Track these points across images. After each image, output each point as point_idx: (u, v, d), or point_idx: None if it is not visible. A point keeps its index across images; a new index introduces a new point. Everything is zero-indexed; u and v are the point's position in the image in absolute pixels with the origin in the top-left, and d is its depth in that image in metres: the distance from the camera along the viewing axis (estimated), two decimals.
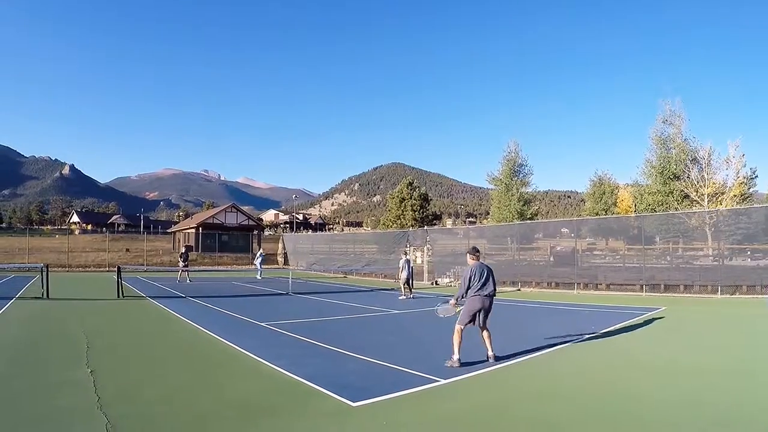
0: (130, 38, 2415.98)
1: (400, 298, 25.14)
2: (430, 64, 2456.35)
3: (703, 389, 8.88)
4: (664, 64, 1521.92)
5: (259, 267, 42.00)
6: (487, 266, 11.39)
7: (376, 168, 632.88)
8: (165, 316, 18.27)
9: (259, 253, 44.12)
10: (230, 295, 27.20)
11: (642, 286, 28.55)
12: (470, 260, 11.53)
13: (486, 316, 11.11)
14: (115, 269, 25.76)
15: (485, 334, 11.17)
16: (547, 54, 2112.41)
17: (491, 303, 11.15)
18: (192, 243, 66.20)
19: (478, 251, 11.82)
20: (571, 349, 12.56)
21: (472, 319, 11.02)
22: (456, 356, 10.60)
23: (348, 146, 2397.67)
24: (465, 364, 10.41)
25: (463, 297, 11.19)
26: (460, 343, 10.73)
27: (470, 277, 11.02)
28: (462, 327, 10.93)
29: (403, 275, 26.01)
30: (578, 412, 7.64)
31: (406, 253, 27.41)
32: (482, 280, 10.99)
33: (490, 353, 11.11)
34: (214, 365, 10.58)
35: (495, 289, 11.21)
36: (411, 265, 26.92)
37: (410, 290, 26.17)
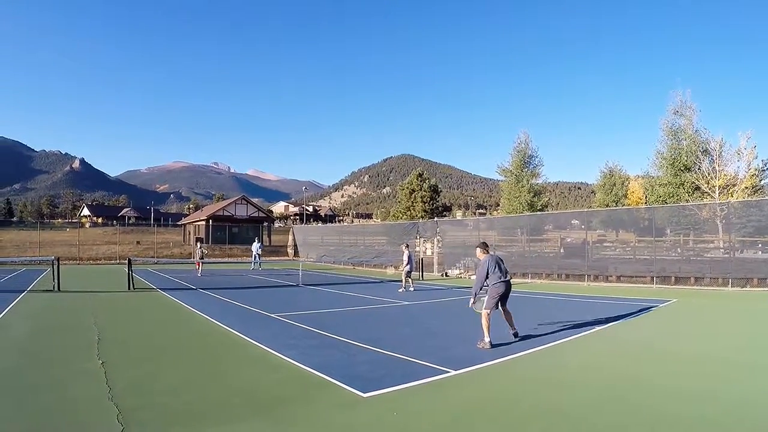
0: (139, 32, 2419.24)
1: (399, 290, 25.03)
2: (440, 56, 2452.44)
3: (714, 381, 8.87)
4: (675, 56, 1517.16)
5: (256, 258, 42.35)
6: (498, 257, 12.52)
7: (386, 159, 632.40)
8: (176, 308, 18.33)
9: (256, 244, 43.84)
10: (241, 286, 27.29)
11: (653, 278, 28.50)
12: (480, 254, 12.67)
13: (506, 300, 12.28)
14: (126, 261, 25.87)
15: (507, 315, 12.48)
16: (558, 46, 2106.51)
17: (509, 288, 12.22)
18: (202, 235, 66.32)
19: (487, 245, 12.95)
20: (582, 340, 12.60)
21: (496, 304, 12.07)
22: (487, 338, 11.57)
23: (358, 138, 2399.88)
24: (494, 346, 11.06)
25: (480, 291, 12.22)
26: (488, 326, 11.68)
27: (487, 270, 12.11)
28: (489, 311, 11.88)
29: (407, 267, 25.90)
30: (588, 402, 7.66)
31: (407, 246, 27.11)
32: (499, 270, 12.11)
33: (513, 330, 12.44)
34: (225, 356, 10.61)
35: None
36: (412, 257, 26.76)
37: (411, 282, 26.10)
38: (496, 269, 12.22)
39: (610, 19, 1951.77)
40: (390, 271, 34.10)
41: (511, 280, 12.56)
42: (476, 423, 6.76)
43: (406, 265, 25.80)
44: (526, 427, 6.63)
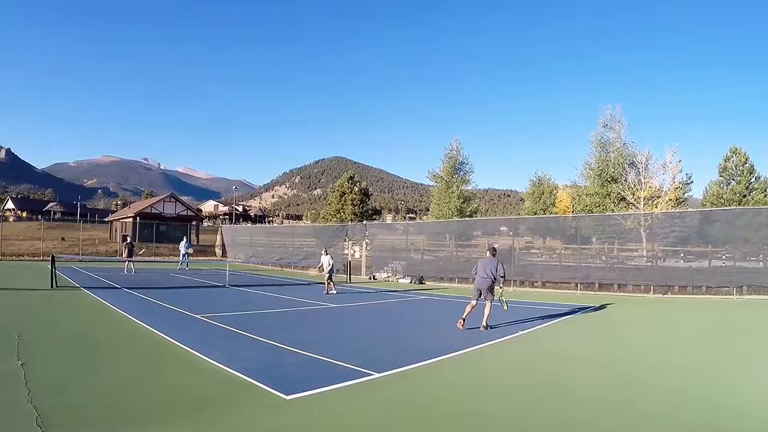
0: (68, 22, 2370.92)
1: (324, 293, 24.99)
2: (372, 61, 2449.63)
3: (632, 385, 9.10)
4: (605, 68, 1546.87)
5: (184, 257, 41.56)
6: (493, 260, 15.25)
7: (318, 161, 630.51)
8: (99, 308, 17.93)
9: (184, 243, 43.16)
10: (166, 286, 26.94)
11: (577, 284, 29.27)
12: (487, 255, 15.67)
13: (484, 295, 14.98)
14: (50, 258, 25.39)
15: (486, 308, 15.00)
16: (489, 54, 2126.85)
17: (485, 284, 14.91)
18: (129, 233, 65.05)
19: (494, 249, 16.02)
20: (505, 345, 12.88)
21: (477, 296, 15.11)
22: (461, 318, 14.91)
23: (290, 139, 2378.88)
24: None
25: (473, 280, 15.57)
26: (468, 312, 14.96)
27: (475, 268, 15.48)
28: (474, 302, 15.09)
29: (327, 270, 25.94)
30: (508, 405, 7.86)
31: (326, 251, 27.08)
32: (479, 269, 15.19)
33: (483, 323, 14.83)
34: (149, 358, 10.47)
35: (494, 276, 14.92)
36: (331, 261, 26.75)
37: (333, 285, 26.14)
38: (480, 269, 15.17)
39: (541, 29, 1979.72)
40: (312, 272, 34.25)
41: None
42: (398, 425, 6.86)
43: (328, 268, 25.81)
44: (446, 430, 6.78)
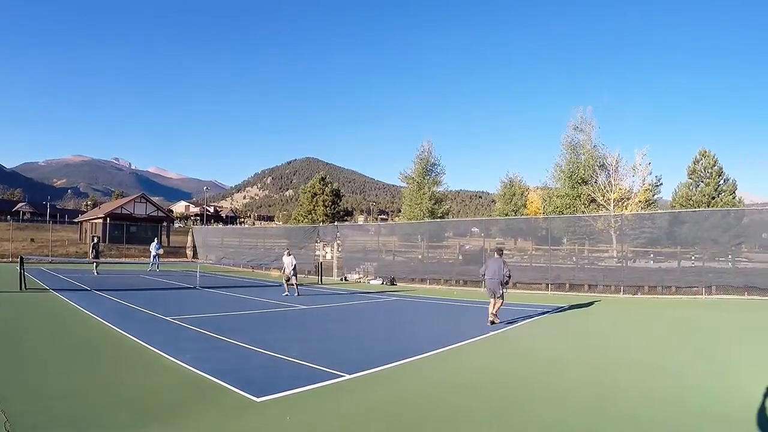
0: (37, 21, 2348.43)
1: (296, 294, 24.98)
2: (346, 62, 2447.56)
3: (607, 386, 9.14)
4: (574, 72, 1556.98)
5: (154, 258, 41.11)
6: (498, 260, 16.56)
7: (290, 162, 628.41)
8: (69, 310, 17.73)
9: (155, 244, 42.79)
10: (137, 288, 26.70)
11: (548, 285, 29.50)
12: (495, 256, 17.04)
13: (494, 292, 16.20)
14: (18, 260, 25.11)
15: (497, 303, 16.23)
16: (461, 57, 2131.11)
17: (495, 285, 16.15)
18: (99, 233, 64.41)
19: (500, 251, 17.39)
20: (476, 345, 12.96)
21: (491, 295, 16.32)
22: (489, 318, 16.13)
23: (262, 140, 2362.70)
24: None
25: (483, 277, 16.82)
26: (491, 310, 16.17)
27: (484, 268, 16.82)
28: (492, 300, 16.26)
29: (289, 272, 25.84)
30: (480, 404, 7.90)
31: (290, 253, 26.93)
32: (488, 270, 16.48)
33: (489, 318, 16.10)
34: (118, 360, 10.34)
35: (500, 277, 16.09)
36: (293, 261, 26.64)
37: (290, 287, 26.00)
38: (489, 270, 16.45)
39: (513, 32, 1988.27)
40: (274, 273, 34.28)
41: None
42: (370, 426, 6.86)
43: (290, 268, 25.72)
44: (421, 431, 6.79)
